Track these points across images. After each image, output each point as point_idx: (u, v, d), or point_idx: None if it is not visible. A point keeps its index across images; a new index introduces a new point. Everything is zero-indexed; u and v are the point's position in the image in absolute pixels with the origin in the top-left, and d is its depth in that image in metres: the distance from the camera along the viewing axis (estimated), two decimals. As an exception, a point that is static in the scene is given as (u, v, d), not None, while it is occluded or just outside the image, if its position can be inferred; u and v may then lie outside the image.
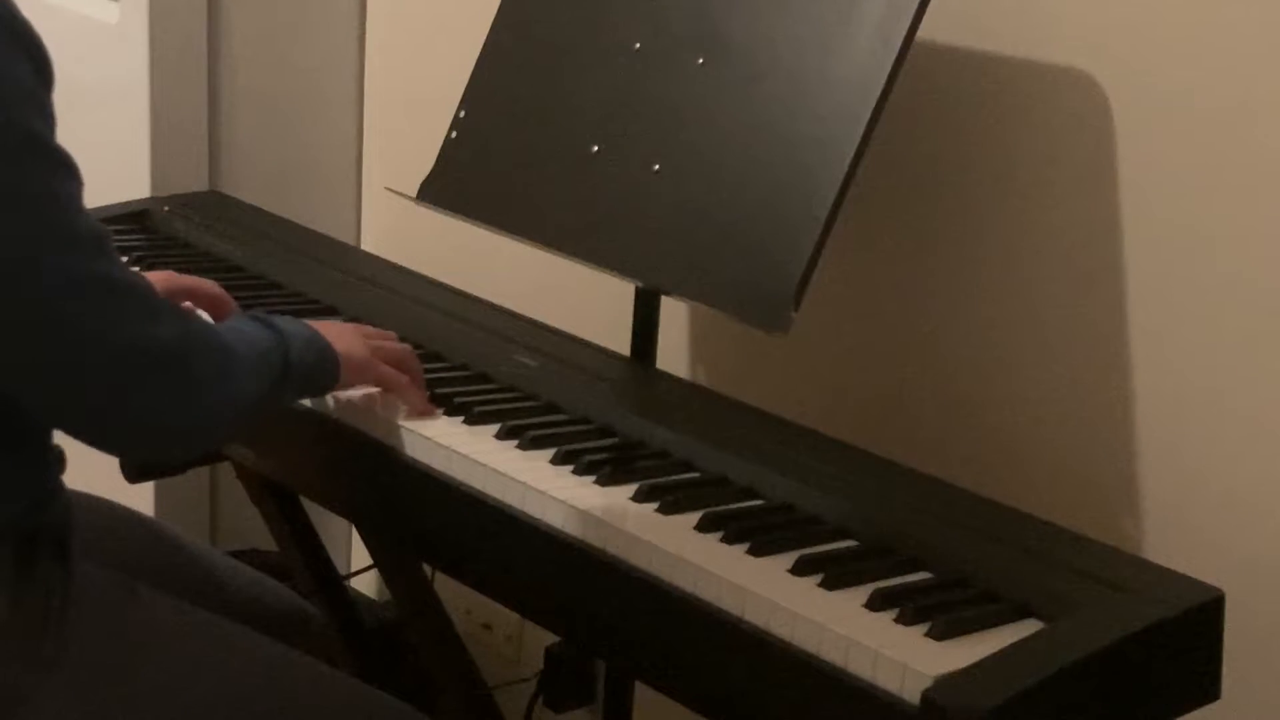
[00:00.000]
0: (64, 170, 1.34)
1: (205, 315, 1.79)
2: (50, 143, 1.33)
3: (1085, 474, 1.74)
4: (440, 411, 1.63)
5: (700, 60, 1.75)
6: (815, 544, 1.42)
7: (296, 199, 2.47)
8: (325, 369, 1.56)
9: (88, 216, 1.36)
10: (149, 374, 1.36)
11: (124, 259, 2.02)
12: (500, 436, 1.59)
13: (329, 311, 1.92)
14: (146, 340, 1.35)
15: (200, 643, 1.48)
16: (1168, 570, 1.42)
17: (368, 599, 2.48)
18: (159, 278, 1.78)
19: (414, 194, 1.97)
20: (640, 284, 1.80)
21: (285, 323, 1.54)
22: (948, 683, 1.20)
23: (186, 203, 2.26)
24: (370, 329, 1.69)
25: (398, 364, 1.64)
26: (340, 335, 1.60)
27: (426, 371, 1.68)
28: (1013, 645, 1.26)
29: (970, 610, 1.32)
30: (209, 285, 1.78)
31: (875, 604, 1.32)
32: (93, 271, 1.33)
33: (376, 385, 1.63)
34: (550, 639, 2.28)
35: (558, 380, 1.71)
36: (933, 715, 1.19)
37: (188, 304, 1.75)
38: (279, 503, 2.07)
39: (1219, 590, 1.36)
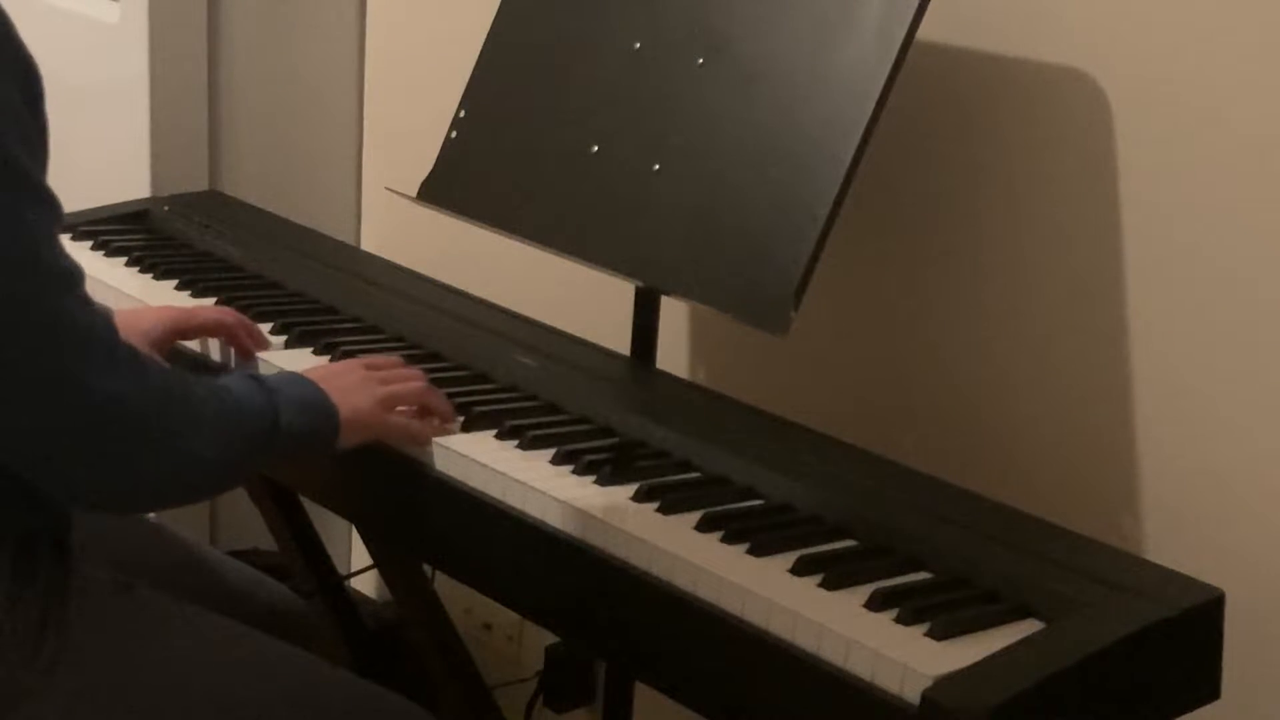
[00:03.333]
0: (41, 200, 1.30)
1: (213, 350, 1.77)
2: (27, 169, 1.29)
3: (1085, 474, 1.74)
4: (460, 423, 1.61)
5: (700, 60, 1.75)
6: (815, 544, 1.42)
7: (296, 199, 2.47)
8: (322, 433, 1.51)
9: (59, 253, 1.32)
10: (97, 425, 1.32)
11: (124, 259, 2.05)
12: (500, 436, 1.59)
13: (329, 311, 1.92)
14: (98, 390, 1.31)
15: (200, 642, 1.48)
16: (1168, 570, 1.42)
17: (368, 599, 2.48)
18: (167, 315, 1.74)
19: (414, 194, 1.97)
20: (640, 284, 1.80)
21: (283, 384, 1.50)
22: (948, 683, 1.20)
23: (186, 203, 2.26)
24: (389, 369, 1.62)
25: (421, 409, 1.59)
26: (348, 390, 1.54)
27: (426, 372, 1.67)
28: (1013, 645, 1.26)
29: (970, 610, 1.32)
30: (224, 323, 1.74)
31: (875, 604, 1.32)
32: (54, 310, 1.30)
33: (385, 438, 1.58)
34: (550, 639, 2.29)
35: (558, 380, 1.71)
36: (933, 715, 1.19)
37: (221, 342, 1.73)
38: (279, 503, 2.07)
39: (1219, 590, 1.36)
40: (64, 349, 1.30)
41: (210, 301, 1.89)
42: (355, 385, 1.56)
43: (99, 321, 1.35)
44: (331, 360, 1.75)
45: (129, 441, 1.34)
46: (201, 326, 1.76)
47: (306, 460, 1.54)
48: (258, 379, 1.49)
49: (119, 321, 1.66)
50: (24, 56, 1.31)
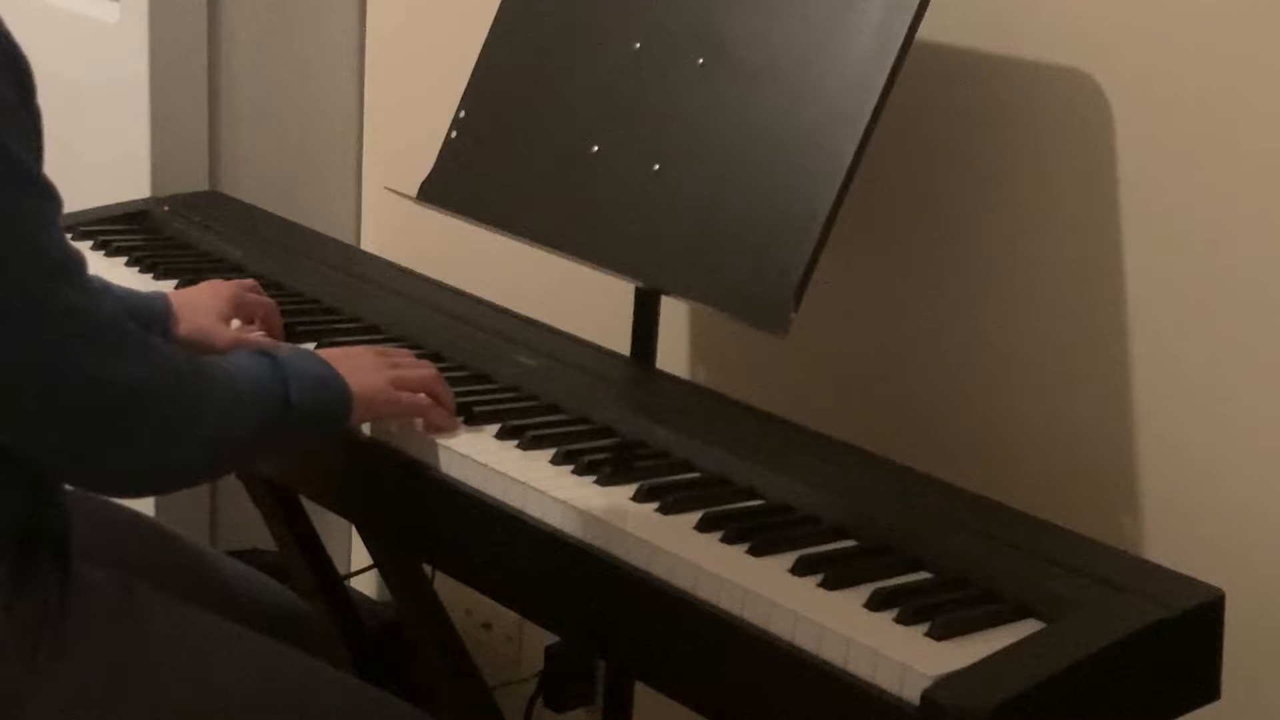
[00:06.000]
0: (37, 191, 1.31)
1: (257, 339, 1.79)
2: (24, 162, 1.30)
3: (1085, 474, 1.74)
4: (461, 421, 1.62)
5: (700, 60, 1.75)
6: (815, 544, 1.42)
7: (296, 199, 2.47)
8: (334, 409, 1.51)
9: (61, 242, 1.32)
10: (109, 414, 1.32)
11: (124, 259, 2.05)
12: (500, 436, 1.59)
13: (329, 311, 1.92)
14: (108, 377, 1.31)
15: (199, 643, 1.48)
16: (1168, 570, 1.42)
17: (368, 599, 2.48)
18: (226, 294, 1.77)
19: (414, 194, 1.97)
20: (640, 284, 1.80)
21: (295, 359, 1.50)
22: (948, 683, 1.20)
23: (186, 203, 2.26)
24: (399, 356, 1.63)
25: (427, 393, 1.60)
26: (359, 369, 1.55)
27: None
28: (1013, 645, 1.26)
29: (970, 610, 1.32)
30: (267, 303, 1.79)
31: (875, 604, 1.32)
32: (55, 297, 1.30)
33: (396, 417, 1.59)
34: (550, 639, 2.29)
35: (558, 380, 1.71)
36: (933, 715, 1.19)
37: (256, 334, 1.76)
38: (279, 503, 2.07)
39: (1219, 590, 1.36)
40: (69, 336, 1.31)
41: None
42: (366, 365, 1.57)
43: (105, 308, 1.35)
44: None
45: (142, 426, 1.35)
46: (252, 305, 1.80)
47: (317, 437, 1.54)
48: (269, 355, 1.50)
49: (181, 302, 1.72)
50: (14, 50, 1.31)
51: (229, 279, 1.94)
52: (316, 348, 1.78)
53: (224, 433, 1.41)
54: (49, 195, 1.32)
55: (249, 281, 1.84)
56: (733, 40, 1.72)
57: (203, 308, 1.74)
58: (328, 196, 2.56)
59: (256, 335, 1.79)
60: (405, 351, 1.67)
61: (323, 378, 1.51)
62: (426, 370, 1.62)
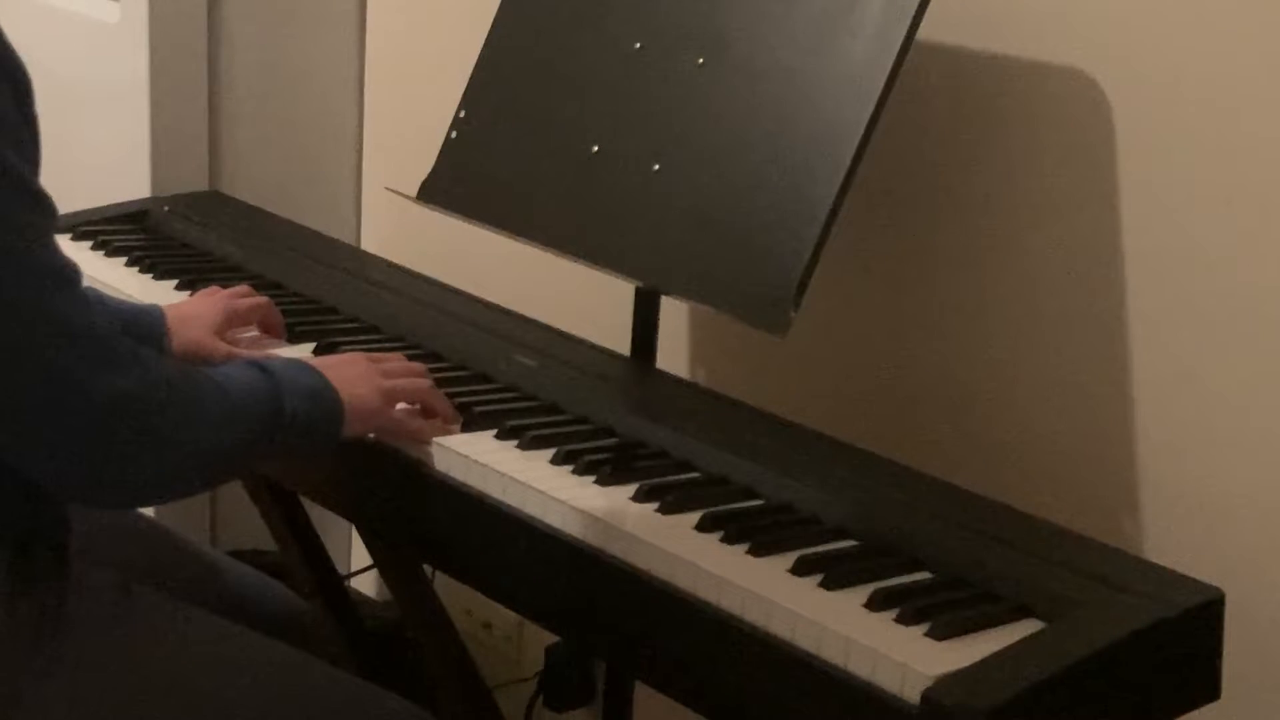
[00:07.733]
0: (31, 201, 1.31)
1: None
2: (19, 172, 1.29)
3: (1085, 474, 1.74)
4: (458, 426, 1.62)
5: (700, 60, 1.75)
6: (815, 544, 1.42)
7: (296, 199, 2.47)
8: (326, 422, 1.51)
9: (54, 253, 1.32)
10: (100, 425, 1.32)
11: (124, 259, 2.05)
12: (500, 437, 1.59)
13: (329, 311, 1.92)
14: (99, 389, 1.31)
15: (199, 643, 1.48)
16: (1168, 570, 1.42)
17: (368, 599, 2.48)
18: (220, 306, 1.77)
19: (414, 194, 1.97)
20: (640, 284, 1.80)
21: (288, 371, 1.50)
22: (948, 683, 1.20)
23: (186, 203, 2.26)
24: (394, 365, 1.63)
25: (424, 407, 1.60)
26: (353, 380, 1.54)
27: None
28: (1013, 645, 1.26)
29: (970, 610, 1.32)
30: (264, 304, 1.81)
31: (875, 604, 1.32)
32: (47, 309, 1.30)
33: (386, 433, 1.58)
34: (550, 639, 2.29)
35: (558, 380, 1.71)
36: (933, 715, 1.19)
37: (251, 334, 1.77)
38: (279, 503, 2.07)
39: (1219, 590, 1.36)
40: (61, 348, 1.30)
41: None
42: (359, 376, 1.56)
43: (97, 319, 1.34)
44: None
45: (134, 438, 1.34)
46: (245, 311, 1.80)
47: (309, 450, 1.54)
48: (261, 366, 1.49)
49: (174, 316, 1.72)
50: (12, 59, 1.31)
51: (228, 280, 1.95)
52: (316, 349, 1.79)
53: (215, 445, 1.40)
54: (45, 206, 1.32)
55: (241, 288, 1.83)
56: (733, 40, 1.72)
57: (196, 321, 1.73)
58: (328, 196, 2.56)
59: (252, 335, 1.79)
60: (398, 356, 1.67)
61: (315, 390, 1.50)
62: (420, 381, 1.61)
